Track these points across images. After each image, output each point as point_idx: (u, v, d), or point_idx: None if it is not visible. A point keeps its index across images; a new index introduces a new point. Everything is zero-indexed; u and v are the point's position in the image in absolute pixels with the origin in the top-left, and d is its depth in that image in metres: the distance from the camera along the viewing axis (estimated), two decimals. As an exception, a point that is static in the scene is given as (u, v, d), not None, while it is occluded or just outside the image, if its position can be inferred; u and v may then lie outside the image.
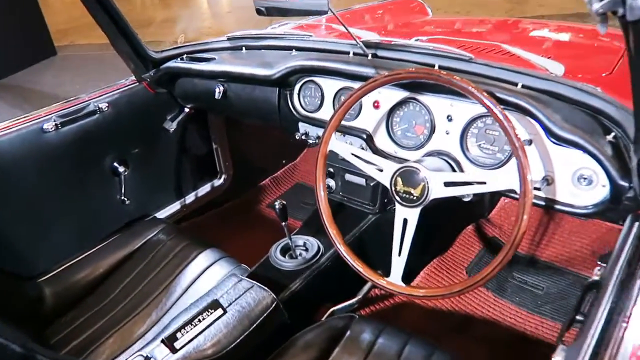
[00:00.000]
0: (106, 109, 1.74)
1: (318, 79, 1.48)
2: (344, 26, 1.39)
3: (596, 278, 0.85)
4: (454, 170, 1.22)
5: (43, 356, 1.10)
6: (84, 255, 1.77)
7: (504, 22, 2.09)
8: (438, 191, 1.09)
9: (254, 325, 1.27)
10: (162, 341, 1.20)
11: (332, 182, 1.67)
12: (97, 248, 1.80)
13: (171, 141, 2.03)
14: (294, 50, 1.65)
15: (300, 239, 1.56)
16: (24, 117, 1.59)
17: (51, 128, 1.62)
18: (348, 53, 1.50)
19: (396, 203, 1.16)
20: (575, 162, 1.05)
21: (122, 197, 1.90)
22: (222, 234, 2.16)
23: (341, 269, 1.55)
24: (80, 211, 1.80)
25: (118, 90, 1.80)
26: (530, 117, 1.07)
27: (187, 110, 1.98)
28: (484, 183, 1.06)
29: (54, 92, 5.34)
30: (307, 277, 1.44)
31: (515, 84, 1.17)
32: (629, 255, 0.81)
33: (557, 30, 1.96)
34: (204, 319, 1.24)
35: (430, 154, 1.27)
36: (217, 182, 2.30)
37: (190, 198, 2.19)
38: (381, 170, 1.18)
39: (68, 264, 1.74)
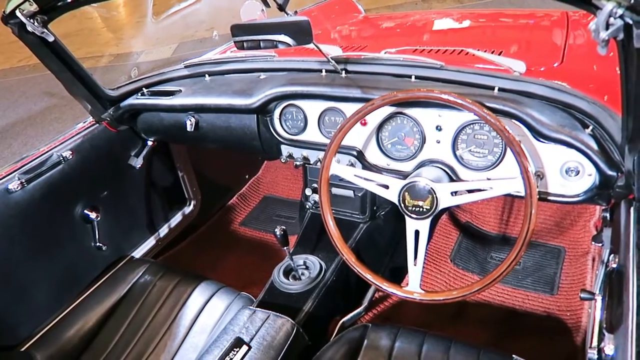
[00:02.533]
0: (70, 156, 1.65)
1: (299, 102, 1.50)
2: (316, 46, 1.41)
3: (614, 265, 0.96)
4: (450, 177, 1.29)
5: None
6: (68, 310, 1.68)
7: (447, 19, 2.20)
8: (447, 201, 1.17)
9: (281, 354, 1.28)
10: None
11: (317, 197, 1.70)
12: (81, 300, 1.72)
13: (138, 177, 1.96)
14: (261, 73, 1.65)
15: (299, 259, 1.58)
16: None
17: (17, 187, 1.51)
18: (320, 71, 1.53)
19: (406, 217, 1.22)
20: (562, 156, 1.16)
21: (98, 244, 1.81)
22: (204, 262, 2.13)
23: (344, 281, 1.60)
24: (56, 266, 1.71)
25: (79, 135, 1.71)
26: (516, 120, 1.17)
27: (150, 143, 1.92)
28: (490, 189, 1.14)
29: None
30: (316, 295, 1.48)
31: (492, 88, 1.26)
32: (636, 239, 0.93)
33: (494, 19, 2.10)
34: (231, 357, 1.24)
35: (423, 164, 1.34)
36: (187, 209, 2.26)
37: (163, 231, 2.13)
38: (387, 187, 1.24)
39: (54, 323, 1.65)
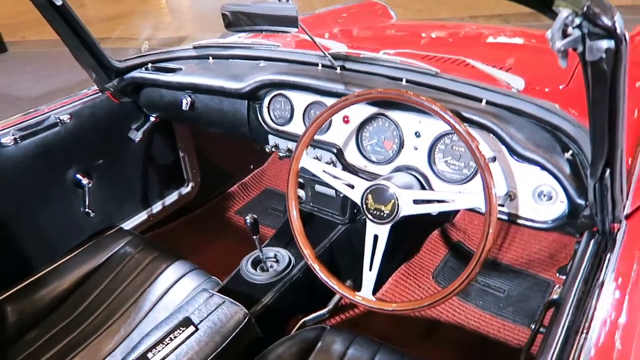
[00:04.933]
0: (68, 120, 1.70)
1: (288, 93, 1.49)
2: (312, 39, 1.40)
3: (555, 296, 0.90)
4: (422, 186, 1.25)
5: None
6: (47, 270, 1.72)
7: (466, 30, 2.15)
8: (407, 209, 1.13)
9: (226, 341, 1.27)
10: None
11: (302, 193, 1.68)
12: (61, 262, 1.76)
13: (137, 150, 1.99)
14: (262, 61, 1.65)
15: (271, 251, 1.57)
16: None
17: (10, 142, 1.56)
18: (317, 65, 1.52)
19: (367, 219, 1.19)
20: (536, 178, 1.10)
21: (87, 210, 1.85)
22: (191, 243, 2.15)
23: (312, 279, 1.57)
24: (42, 225, 1.75)
25: (80, 101, 1.75)
26: (493, 135, 1.12)
27: (152, 119, 1.95)
28: (452, 201, 1.10)
29: (6, 91, 5.13)
30: (278, 289, 1.46)
31: (480, 100, 1.22)
32: (585, 273, 0.87)
33: (513, 36, 2.03)
34: (175, 337, 1.24)
35: (399, 169, 1.31)
36: (185, 190, 2.28)
37: (157, 207, 2.16)
38: (352, 187, 1.21)
39: (31, 280, 1.69)
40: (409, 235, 1.98)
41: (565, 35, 0.67)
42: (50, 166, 1.71)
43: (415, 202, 1.13)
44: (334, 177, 1.24)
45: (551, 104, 1.17)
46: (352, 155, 1.41)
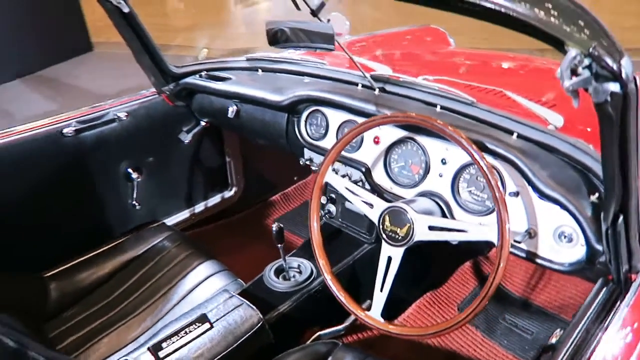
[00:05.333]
0: (125, 117, 1.83)
1: (324, 109, 1.54)
2: (352, 59, 1.44)
3: (554, 340, 0.87)
4: (443, 213, 1.25)
5: (34, 352, 1.18)
6: (91, 254, 1.85)
7: (516, 61, 2.11)
8: (422, 234, 1.13)
9: (238, 342, 1.31)
10: (148, 349, 1.25)
11: (332, 208, 1.71)
12: (105, 248, 1.88)
13: (185, 152, 2.10)
14: (306, 77, 1.71)
15: (295, 261, 1.61)
16: (46, 120, 1.69)
17: (70, 133, 1.71)
18: (357, 85, 1.56)
19: (383, 241, 1.20)
20: (558, 218, 1.07)
21: (133, 202, 1.98)
22: (226, 245, 2.23)
23: (331, 294, 1.59)
24: (92, 213, 1.89)
25: (138, 101, 1.89)
26: (517, 170, 1.10)
27: (203, 123, 2.06)
28: (465, 231, 1.09)
29: (87, 87, 5.52)
30: (297, 299, 1.49)
31: (511, 133, 1.21)
32: (589, 321, 0.84)
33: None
34: (190, 331, 1.29)
35: (423, 194, 1.31)
36: (228, 193, 2.37)
37: (199, 207, 2.27)
38: (372, 207, 1.23)
39: (75, 262, 1.83)
40: (438, 262, 1.95)
41: (574, 74, 0.67)
42: (105, 158, 1.85)
43: (431, 228, 1.13)
44: (355, 194, 1.26)
45: (585, 144, 1.14)
46: (379, 176, 1.43)
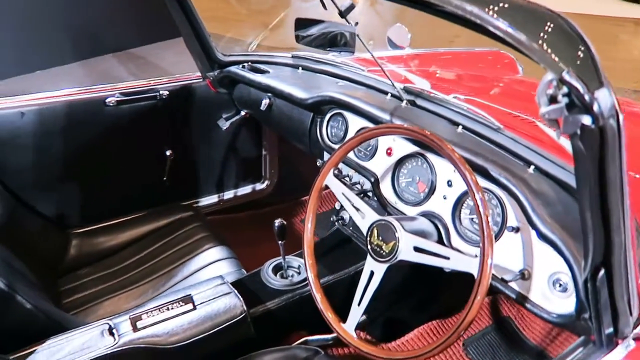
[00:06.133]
0: (166, 96, 1.90)
1: (346, 113, 1.51)
2: (381, 68, 1.40)
3: None
4: (439, 237, 1.18)
5: (23, 298, 1.24)
6: (114, 222, 1.94)
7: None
8: (407, 254, 1.07)
9: (216, 329, 1.31)
10: (129, 317, 1.28)
11: (347, 215, 1.67)
12: (128, 218, 1.97)
13: (222, 139, 2.14)
14: (342, 80, 1.69)
15: (297, 261, 1.58)
16: (91, 87, 1.79)
17: (112, 103, 1.80)
18: (386, 94, 1.52)
19: (367, 254, 1.15)
20: (555, 264, 0.97)
21: (164, 178, 2.05)
22: (246, 236, 2.24)
23: (328, 300, 1.55)
24: (123, 182, 1.98)
25: (181, 82, 1.95)
26: (519, 205, 1.01)
27: (242, 113, 2.09)
28: (447, 259, 1.02)
29: (169, 69, 5.83)
30: (288, 299, 1.46)
31: (529, 165, 1.12)
32: None
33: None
34: (172, 309, 1.31)
35: (424, 214, 1.24)
36: (259, 186, 2.39)
37: (228, 195, 2.30)
38: (363, 217, 1.18)
39: (98, 226, 1.92)
40: (453, 291, 1.84)
41: (554, 101, 0.60)
42: (142, 132, 1.93)
43: (416, 249, 1.06)
44: (350, 201, 1.22)
45: None
46: (386, 189, 1.37)
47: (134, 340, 1.21)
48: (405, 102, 1.45)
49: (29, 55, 4.88)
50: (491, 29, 0.59)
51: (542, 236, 0.97)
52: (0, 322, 1.19)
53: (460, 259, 1.01)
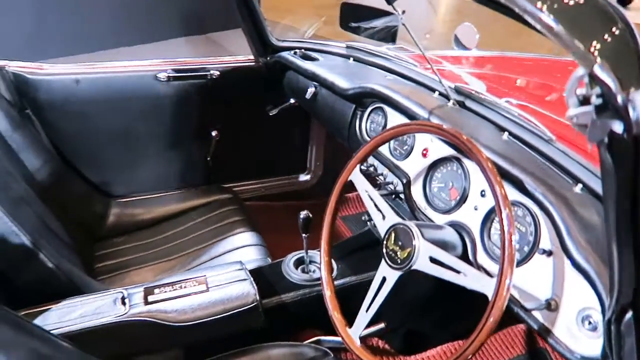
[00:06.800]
0: (216, 76, 1.90)
1: (386, 108, 1.43)
2: (431, 66, 1.32)
3: None
4: (464, 251, 1.07)
5: (46, 256, 1.28)
6: (154, 196, 1.98)
7: None
8: (422, 264, 0.98)
9: (225, 314, 1.28)
10: (144, 289, 1.28)
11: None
12: (167, 194, 2.00)
13: (269, 125, 2.12)
14: (390, 74, 1.61)
15: (316, 256, 1.53)
16: (144, 62, 1.83)
17: (163, 78, 1.82)
18: (434, 91, 1.43)
19: (382, 258, 1.07)
20: (587, 298, 0.84)
21: (208, 158, 2.06)
22: (282, 225, 2.21)
23: (342, 301, 1.49)
24: (168, 157, 2.01)
25: (232, 64, 1.94)
26: (554, 226, 0.90)
27: (292, 101, 2.05)
28: (462, 274, 0.92)
29: (239, 52, 5.95)
30: (303, 294, 1.41)
31: (577, 183, 0.99)
32: None
33: None
34: (185, 287, 1.30)
35: (452, 224, 1.14)
36: (303, 177, 2.36)
37: (270, 182, 2.28)
38: (384, 218, 1.10)
39: (139, 198, 1.97)
40: (482, 313, 1.71)
41: (585, 103, 0.50)
42: (190, 110, 1.95)
43: (432, 260, 0.97)
44: (372, 200, 1.15)
45: None
46: (417, 192, 1.28)
47: (142, 313, 1.21)
48: (452, 101, 1.35)
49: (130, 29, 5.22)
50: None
51: (575, 264, 0.85)
52: (19, 277, 1.23)
53: (477, 277, 0.91)
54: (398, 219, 1.06)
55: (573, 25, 0.50)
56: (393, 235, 1.04)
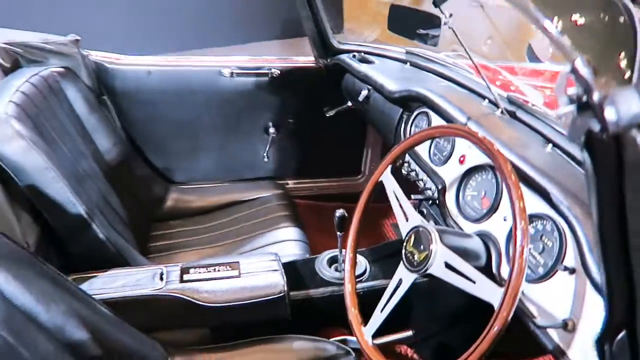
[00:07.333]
0: (277, 75, 1.97)
1: (431, 113, 1.40)
2: (476, 68, 1.29)
3: None
4: (488, 265, 1.04)
5: (98, 228, 1.40)
6: (209, 185, 2.09)
7: None
8: (437, 268, 0.96)
9: (252, 301, 1.32)
10: (181, 268, 1.36)
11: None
12: (222, 184, 2.10)
13: (326, 126, 2.16)
14: (444, 80, 1.59)
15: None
16: (210, 58, 1.93)
17: (227, 74, 1.92)
18: (484, 99, 1.39)
19: (401, 260, 1.06)
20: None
21: (264, 154, 2.14)
22: (326, 226, 2.23)
23: (371, 304, 1.48)
24: (226, 150, 2.12)
25: (294, 64, 2.00)
26: (576, 241, 0.84)
27: (350, 104, 2.07)
28: (473, 282, 0.88)
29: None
30: (332, 292, 1.42)
31: None
32: None
33: None
34: (218, 270, 1.36)
35: (480, 234, 1.10)
36: (356, 180, 2.37)
37: (323, 183, 2.31)
38: (407, 220, 1.09)
39: (195, 186, 2.08)
40: (519, 334, 1.62)
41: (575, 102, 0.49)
42: (251, 106, 2.03)
43: (447, 266, 0.95)
44: (398, 201, 1.14)
45: None
46: (450, 199, 1.25)
47: (177, 290, 1.28)
48: (500, 110, 1.30)
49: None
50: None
51: (595, 285, 0.79)
52: (72, 244, 1.36)
53: (486, 286, 0.88)
54: (420, 221, 1.05)
55: (562, 19, 0.48)
56: (413, 237, 1.03)
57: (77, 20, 3.87)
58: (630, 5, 0.50)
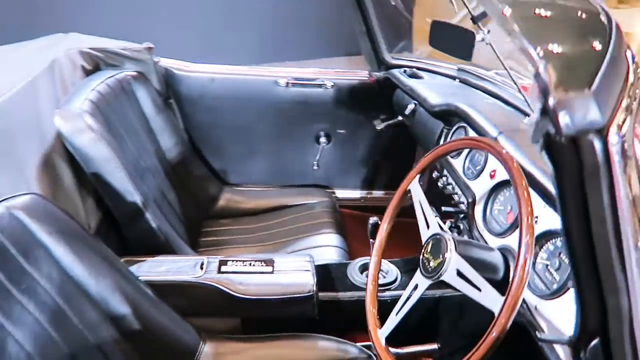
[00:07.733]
0: (330, 87, 2.05)
1: (469, 128, 1.41)
2: (517, 86, 1.29)
3: None
4: (505, 278, 1.04)
5: (150, 217, 1.53)
6: (259, 189, 2.20)
7: None
8: (449, 276, 0.98)
9: (280, 297, 1.39)
10: (219, 260, 1.46)
11: (461, 226, 1.58)
12: (272, 189, 2.20)
13: (375, 138, 2.21)
14: (491, 97, 1.59)
15: (387, 265, 1.56)
16: (266, 69, 2.05)
17: (283, 84, 2.03)
18: (527, 115, 1.39)
19: (418, 265, 1.09)
20: None
21: (315, 162, 2.22)
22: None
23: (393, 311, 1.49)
24: (278, 156, 2.22)
25: (346, 76, 2.08)
26: None
27: (399, 118, 2.11)
28: (479, 290, 0.89)
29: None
30: (360, 296, 1.45)
31: None
32: None
33: None
34: (253, 265, 1.44)
35: (502, 248, 1.10)
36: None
37: (372, 194, 2.35)
38: (428, 227, 1.12)
39: (247, 188, 2.20)
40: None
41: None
42: (303, 116, 2.13)
43: (459, 274, 0.96)
44: (421, 209, 1.16)
45: None
46: (478, 213, 1.25)
47: (214, 279, 1.38)
48: None
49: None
50: None
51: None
52: (127, 229, 1.50)
53: (490, 295, 0.89)
54: (438, 229, 1.07)
55: (532, 27, 0.51)
56: (431, 244, 1.05)
57: (161, 40, 4.21)
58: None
